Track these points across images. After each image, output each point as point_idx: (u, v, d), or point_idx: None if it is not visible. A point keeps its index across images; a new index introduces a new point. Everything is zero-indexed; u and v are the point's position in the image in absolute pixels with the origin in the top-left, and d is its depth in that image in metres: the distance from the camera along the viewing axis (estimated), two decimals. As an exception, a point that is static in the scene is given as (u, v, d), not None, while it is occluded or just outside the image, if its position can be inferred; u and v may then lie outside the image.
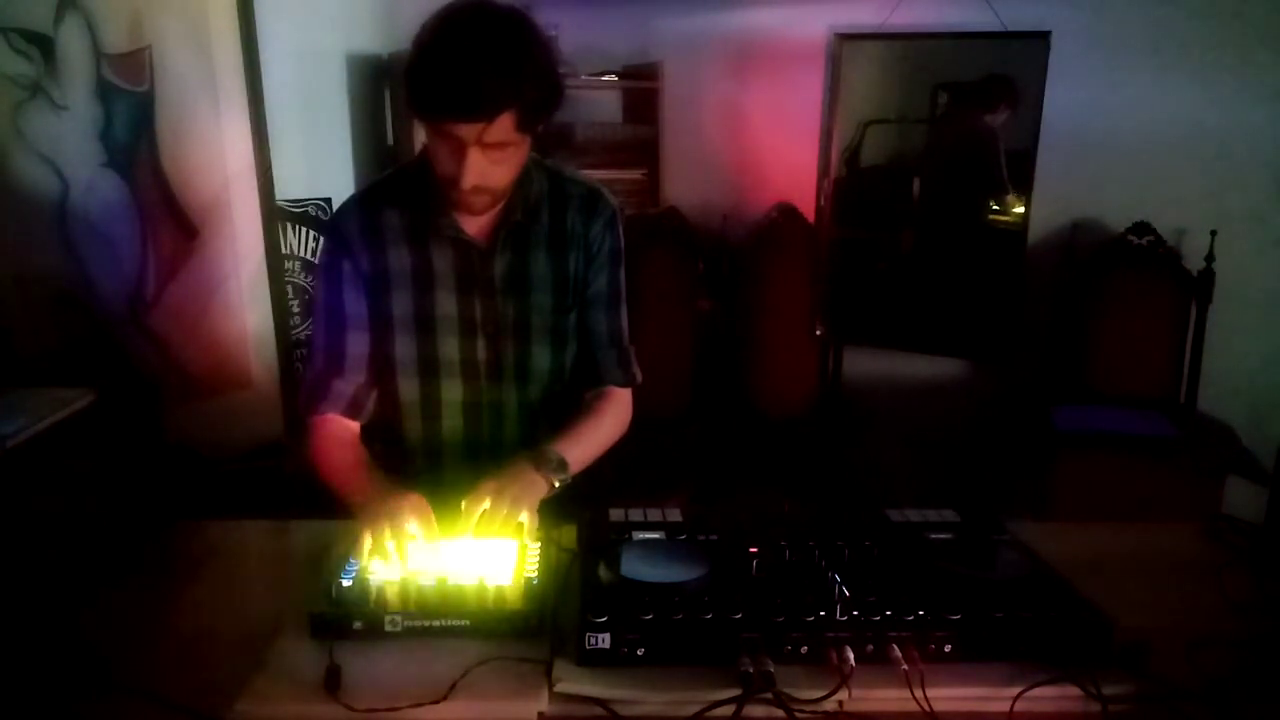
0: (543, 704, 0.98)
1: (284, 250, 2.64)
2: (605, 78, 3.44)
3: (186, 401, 2.33)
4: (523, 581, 1.13)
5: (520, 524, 1.24)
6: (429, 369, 1.46)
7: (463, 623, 1.07)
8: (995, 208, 3.19)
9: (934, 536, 1.24)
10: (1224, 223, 2.88)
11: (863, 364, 3.44)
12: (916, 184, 3.32)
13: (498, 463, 1.34)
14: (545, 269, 1.45)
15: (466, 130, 1.23)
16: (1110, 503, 2.39)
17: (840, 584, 1.07)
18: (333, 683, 0.98)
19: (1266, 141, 2.88)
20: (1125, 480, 2.54)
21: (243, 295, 2.48)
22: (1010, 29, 2.91)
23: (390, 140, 3.10)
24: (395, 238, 1.43)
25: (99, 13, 2.07)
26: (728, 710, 0.94)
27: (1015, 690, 0.98)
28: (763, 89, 3.43)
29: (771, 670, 0.98)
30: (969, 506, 1.34)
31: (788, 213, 3.29)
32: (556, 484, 1.33)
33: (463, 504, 1.24)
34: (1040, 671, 1.00)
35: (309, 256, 2.77)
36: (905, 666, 0.99)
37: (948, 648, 1.03)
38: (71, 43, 2.04)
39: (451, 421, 1.49)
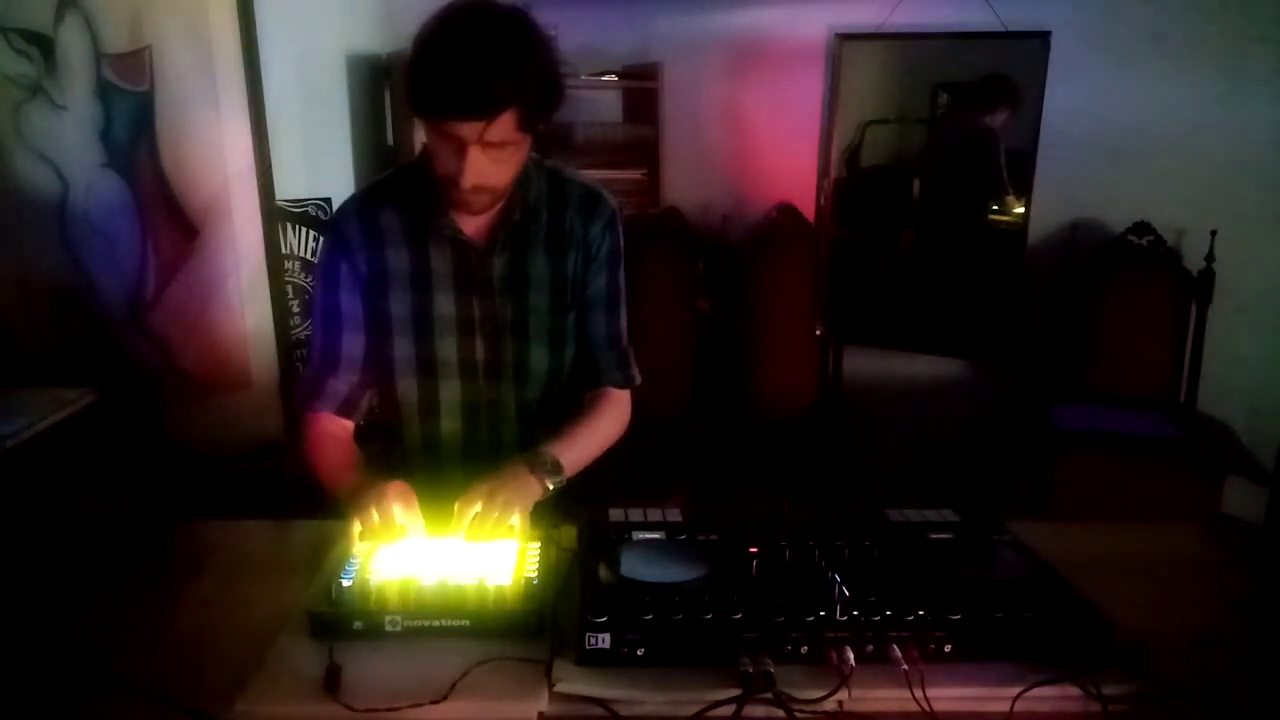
0: (543, 704, 0.98)
1: (284, 250, 2.64)
2: (605, 78, 3.44)
3: (187, 401, 2.33)
4: (523, 581, 1.13)
5: (512, 527, 1.24)
6: (427, 369, 1.46)
7: (463, 623, 1.07)
8: (995, 208, 3.19)
9: (934, 536, 1.24)
10: (1224, 223, 2.88)
11: (863, 364, 3.44)
12: (916, 184, 3.31)
13: (496, 462, 1.34)
14: (544, 269, 1.45)
15: (468, 129, 1.23)
16: (1110, 503, 2.39)
17: (840, 584, 1.07)
18: (332, 683, 0.98)
19: (1266, 141, 2.88)
20: (1125, 480, 2.54)
21: (243, 295, 2.48)
22: (1010, 29, 2.91)
23: (390, 140, 3.10)
24: (394, 238, 1.43)
25: (99, 13, 2.08)
26: (728, 710, 0.95)
27: (1015, 690, 0.98)
28: (763, 89, 3.43)
29: (771, 670, 0.98)
30: (969, 506, 1.34)
31: (788, 213, 3.29)
32: (551, 486, 1.33)
33: (455, 506, 1.24)
34: (1040, 671, 1.00)
35: (309, 256, 2.77)
36: (905, 666, 0.99)
37: (948, 648, 1.03)
38: (71, 43, 2.04)
39: (450, 421, 1.49)
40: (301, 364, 2.68)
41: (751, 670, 0.97)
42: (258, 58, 2.41)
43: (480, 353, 1.46)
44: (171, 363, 2.32)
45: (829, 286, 3.31)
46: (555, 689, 0.99)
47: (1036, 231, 3.11)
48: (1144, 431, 2.69)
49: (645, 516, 1.28)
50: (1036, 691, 0.98)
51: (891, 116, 3.31)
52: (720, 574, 1.11)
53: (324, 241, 1.48)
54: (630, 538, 1.21)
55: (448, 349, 1.45)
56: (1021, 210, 3.09)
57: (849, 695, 0.98)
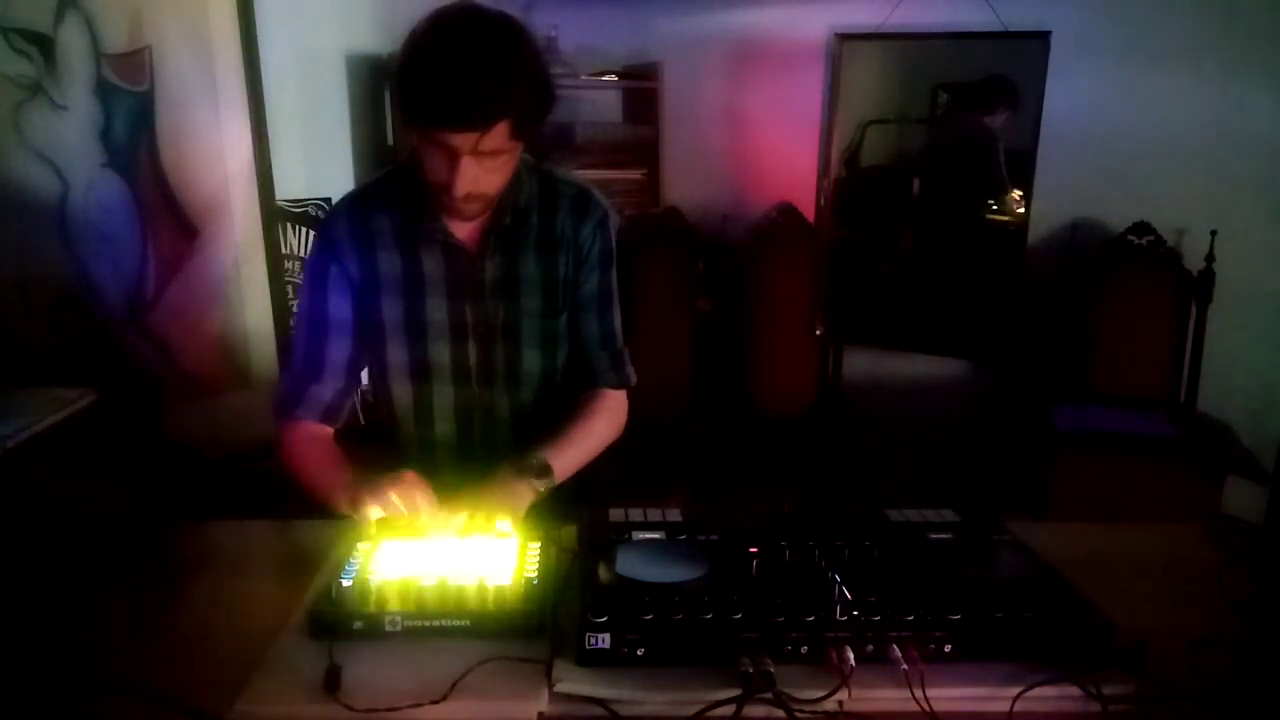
0: (543, 704, 0.98)
1: (284, 250, 2.64)
2: (605, 78, 3.44)
3: (186, 401, 2.33)
4: (523, 581, 1.13)
5: (502, 532, 1.23)
6: (420, 373, 1.46)
7: (463, 623, 1.07)
8: (995, 208, 3.19)
9: (934, 536, 1.24)
10: (1224, 223, 2.88)
11: (863, 364, 3.44)
12: (916, 184, 3.31)
13: (491, 464, 1.34)
14: (535, 271, 1.45)
15: (461, 140, 1.22)
16: (1110, 503, 2.38)
17: (840, 584, 1.07)
18: (332, 683, 0.98)
19: (1266, 141, 2.89)
20: (1125, 480, 2.54)
21: (242, 295, 2.48)
22: (1010, 29, 2.91)
23: (390, 140, 3.10)
24: (386, 242, 1.42)
25: (99, 13, 2.08)
26: (728, 710, 0.94)
27: (1015, 690, 0.98)
28: (763, 89, 3.43)
29: (771, 670, 0.98)
30: (969, 506, 1.34)
31: (788, 213, 3.29)
32: (541, 489, 1.32)
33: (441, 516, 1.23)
34: (1040, 671, 1.00)
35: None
36: (905, 666, 0.99)
37: (948, 648, 1.03)
38: (72, 43, 2.04)
39: (444, 425, 1.49)
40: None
41: (751, 670, 0.97)
42: (257, 58, 2.41)
43: (473, 357, 1.46)
44: (171, 363, 2.32)
45: (829, 286, 3.31)
46: (555, 689, 0.99)
47: (1036, 231, 3.12)
48: (1144, 431, 2.70)
49: (645, 516, 1.28)
50: (1036, 691, 0.98)
51: (891, 116, 3.31)
52: (720, 574, 1.11)
53: (313, 245, 1.47)
54: (630, 538, 1.21)
55: (440, 353, 1.45)
56: (1021, 210, 3.09)
57: (849, 695, 0.98)
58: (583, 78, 3.33)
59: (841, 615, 1.03)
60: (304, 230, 2.75)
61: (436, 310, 1.43)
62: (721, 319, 3.35)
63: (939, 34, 3.07)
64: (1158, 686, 0.99)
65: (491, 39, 1.22)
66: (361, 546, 1.21)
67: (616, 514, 1.29)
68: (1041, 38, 2.90)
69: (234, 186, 2.42)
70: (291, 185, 2.65)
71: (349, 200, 1.47)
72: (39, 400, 1.71)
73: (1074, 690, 0.98)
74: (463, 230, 1.41)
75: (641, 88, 3.45)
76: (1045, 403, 2.92)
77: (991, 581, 1.12)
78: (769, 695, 0.96)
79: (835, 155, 3.28)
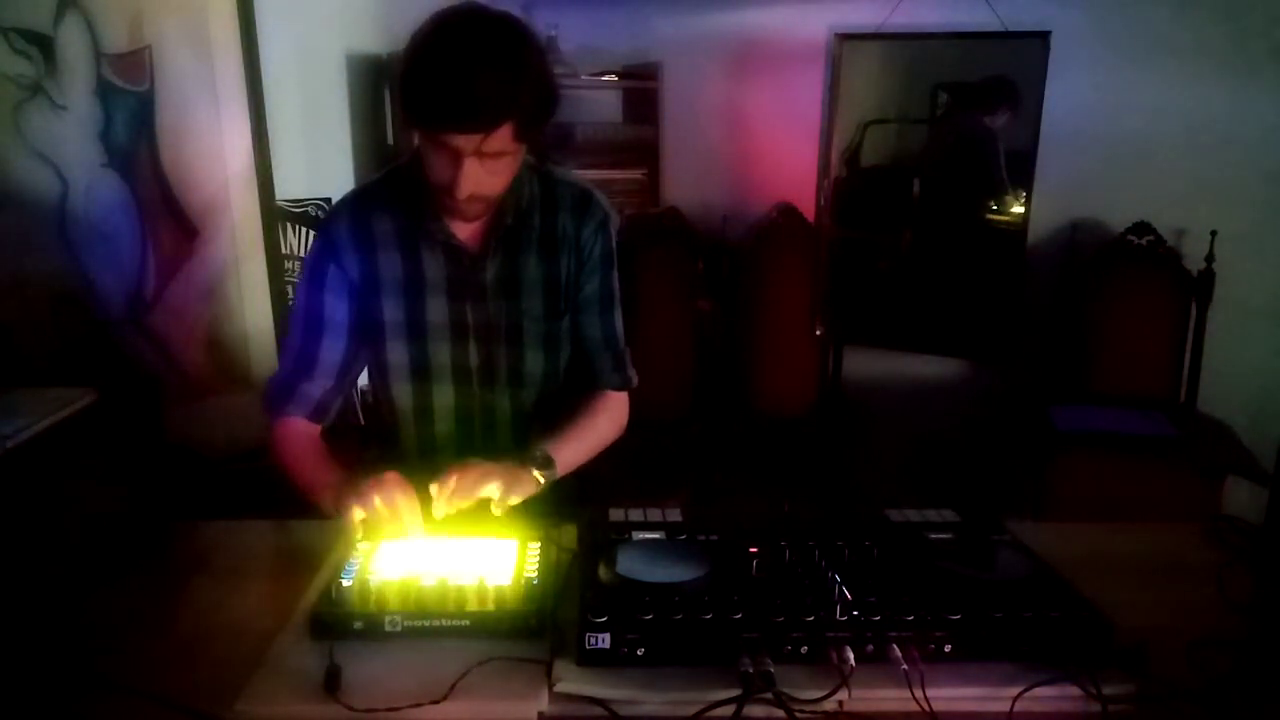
0: (543, 704, 0.98)
1: (284, 250, 2.64)
2: (605, 78, 3.44)
3: (187, 401, 2.33)
4: (523, 581, 1.13)
5: (489, 500, 1.24)
6: (421, 374, 1.46)
7: (463, 623, 1.07)
8: (995, 208, 3.19)
9: (934, 536, 1.24)
10: (1224, 223, 2.88)
11: (863, 364, 3.44)
12: (916, 184, 3.31)
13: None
14: (536, 273, 1.45)
15: (464, 141, 1.22)
16: (1110, 503, 2.39)
17: (840, 584, 1.07)
18: (333, 683, 0.98)
19: (1266, 142, 2.89)
20: (1125, 480, 2.54)
21: (243, 295, 2.48)
22: (1010, 29, 2.91)
23: (390, 140, 3.09)
24: (386, 242, 1.42)
25: (99, 13, 2.08)
26: (728, 710, 0.94)
27: (1015, 690, 0.98)
28: (763, 89, 3.43)
29: (771, 670, 0.98)
30: (969, 506, 1.34)
31: (788, 213, 3.29)
32: (542, 479, 1.33)
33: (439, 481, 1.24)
34: (1040, 671, 1.00)
35: (309, 256, 2.77)
36: (905, 666, 0.99)
37: (947, 647, 1.03)
38: (71, 43, 2.04)
39: (444, 425, 1.49)
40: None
41: (751, 670, 0.97)
42: (258, 58, 2.40)
43: (474, 358, 1.46)
44: (171, 363, 2.32)
45: (829, 286, 3.31)
46: (555, 689, 0.99)
47: (1036, 231, 3.12)
48: (1144, 432, 2.69)
49: (645, 516, 1.28)
50: (1036, 691, 0.98)
51: (891, 116, 3.32)
52: (720, 574, 1.11)
53: (313, 243, 1.46)
54: (630, 538, 1.21)
55: (441, 354, 1.45)
56: (1021, 210, 3.09)
57: (849, 695, 0.98)
58: (583, 78, 3.33)
59: (841, 615, 1.03)
60: (304, 230, 2.75)
61: (437, 311, 1.43)
62: (721, 319, 3.35)
63: (939, 34, 3.08)
64: (1157, 686, 0.99)
65: (495, 40, 1.22)
66: (361, 546, 1.21)
67: (616, 514, 1.29)
68: (1041, 38, 2.90)
69: (234, 186, 2.42)
70: (292, 185, 2.64)
71: (349, 200, 1.47)
72: (39, 400, 1.70)
73: (1074, 690, 0.98)
74: (464, 231, 1.40)
75: (641, 88, 3.45)
76: (1045, 403, 2.92)
77: (991, 582, 1.12)
78: (769, 695, 0.96)
79: (835, 155, 3.28)
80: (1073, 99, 2.97)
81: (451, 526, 1.24)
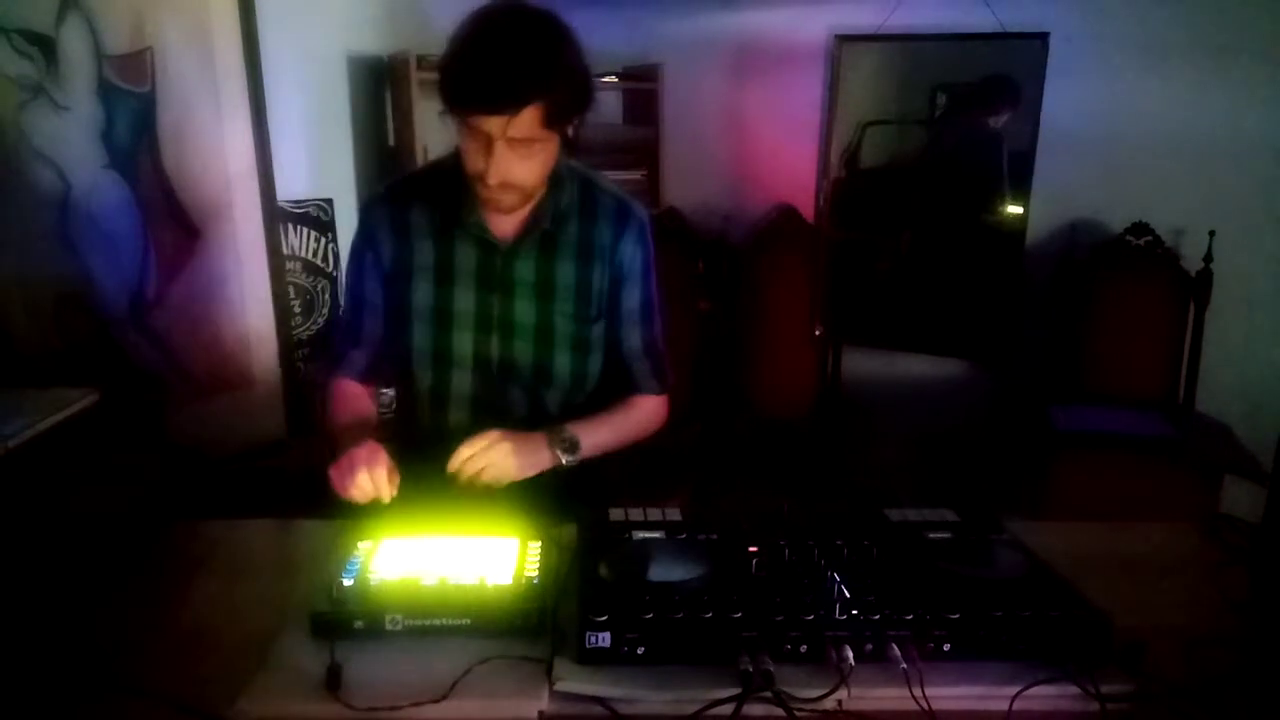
0: (543, 703, 0.98)
1: (285, 251, 2.65)
2: (605, 78, 3.44)
3: (189, 401, 2.33)
4: (523, 580, 1.13)
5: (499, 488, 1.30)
6: (442, 359, 1.50)
7: (463, 622, 1.08)
8: (996, 208, 3.19)
9: (933, 536, 1.24)
10: (1223, 223, 2.88)
11: (863, 364, 3.45)
12: (916, 185, 3.32)
13: None
14: (569, 277, 1.48)
15: (492, 124, 1.25)
16: (1109, 503, 2.38)
17: (840, 583, 1.08)
18: (333, 682, 0.98)
19: (1266, 142, 2.89)
20: (1123, 480, 2.54)
21: (244, 295, 2.49)
22: (1009, 30, 2.92)
23: (391, 141, 3.10)
24: (421, 231, 1.47)
25: (101, 14, 2.08)
26: (727, 709, 0.95)
27: (1014, 689, 0.99)
28: (762, 90, 3.43)
29: (771, 669, 0.98)
30: (968, 506, 1.34)
31: (788, 213, 3.29)
32: (564, 460, 1.37)
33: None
34: (1039, 670, 1.00)
35: (310, 257, 2.78)
36: (904, 665, 0.99)
37: (947, 647, 1.03)
38: (73, 44, 2.04)
39: (459, 414, 1.52)
40: (303, 364, 2.70)
41: (751, 669, 0.97)
42: (259, 59, 2.41)
43: (495, 350, 1.49)
44: (173, 363, 2.32)
45: (829, 287, 3.31)
46: (556, 688, 0.99)
47: (1035, 232, 3.12)
48: (1142, 432, 2.70)
49: (645, 516, 1.28)
50: (1035, 690, 0.99)
51: (891, 118, 3.32)
52: (720, 574, 1.11)
53: (357, 227, 1.55)
54: (630, 537, 1.21)
55: (463, 343, 1.48)
56: (1020, 210, 3.09)
57: (848, 694, 0.98)
58: (583, 78, 3.33)
59: (841, 614, 1.03)
60: (305, 231, 2.75)
61: (464, 301, 1.47)
62: (721, 319, 3.35)
63: (938, 35, 3.08)
64: (1156, 685, 0.99)
65: (528, 28, 1.27)
66: (362, 546, 1.21)
67: (616, 514, 1.29)
68: (1041, 38, 2.91)
69: (235, 187, 2.42)
70: (293, 186, 2.65)
71: (388, 188, 1.53)
72: (41, 400, 1.70)
73: (1073, 689, 0.99)
74: (500, 227, 1.44)
75: (642, 89, 3.45)
76: (1044, 403, 2.92)
77: (990, 581, 1.12)
78: (768, 694, 0.96)
79: (835, 156, 3.29)
80: (1071, 100, 2.97)
81: (451, 525, 1.25)
